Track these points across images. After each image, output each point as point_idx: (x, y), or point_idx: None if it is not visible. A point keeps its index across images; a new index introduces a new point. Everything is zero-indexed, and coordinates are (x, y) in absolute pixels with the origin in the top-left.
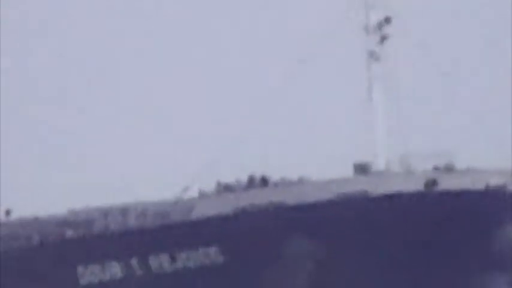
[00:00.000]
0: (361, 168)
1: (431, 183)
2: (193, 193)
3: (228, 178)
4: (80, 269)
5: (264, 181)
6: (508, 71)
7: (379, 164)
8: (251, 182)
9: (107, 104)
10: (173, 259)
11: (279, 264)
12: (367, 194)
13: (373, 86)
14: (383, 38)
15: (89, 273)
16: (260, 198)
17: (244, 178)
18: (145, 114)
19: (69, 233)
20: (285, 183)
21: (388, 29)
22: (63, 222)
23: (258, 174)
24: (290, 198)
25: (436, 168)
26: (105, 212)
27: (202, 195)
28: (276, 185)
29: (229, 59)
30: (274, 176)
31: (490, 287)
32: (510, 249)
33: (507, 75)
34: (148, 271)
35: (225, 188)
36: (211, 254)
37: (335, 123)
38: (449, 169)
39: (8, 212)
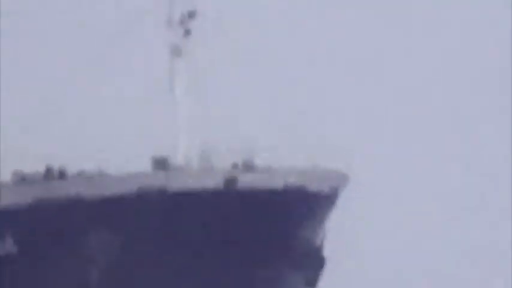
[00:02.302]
0: (160, 163)
1: (231, 180)
2: None
3: (26, 169)
4: None
5: (62, 173)
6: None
7: (178, 159)
8: (48, 174)
9: None
10: None
11: (74, 258)
12: (166, 190)
13: (175, 80)
14: (187, 33)
15: None
16: (57, 190)
17: (41, 169)
18: None
19: None
20: (83, 176)
21: (192, 23)
22: None
23: (55, 165)
24: (88, 191)
25: (235, 165)
26: None
27: None
28: (74, 177)
29: None
30: (72, 168)
31: (287, 286)
32: (307, 248)
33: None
34: None
35: (22, 179)
36: (5, 245)
37: (136, 117)
38: (248, 166)
39: None
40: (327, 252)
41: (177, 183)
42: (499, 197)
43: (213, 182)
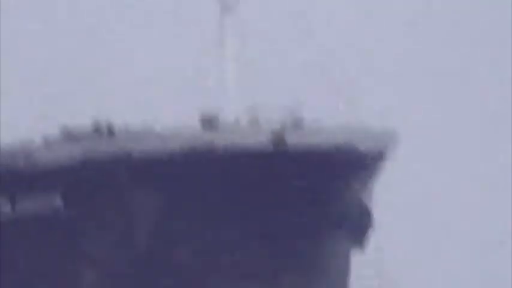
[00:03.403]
0: (208, 122)
1: (280, 139)
2: (36, 139)
3: (72, 124)
4: None
5: (110, 130)
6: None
7: (227, 117)
8: (96, 130)
9: None
10: (13, 205)
11: (120, 216)
12: (214, 148)
13: (225, 37)
14: None
15: None
16: (105, 146)
17: (89, 125)
18: None
19: None
20: (131, 133)
21: None
22: None
23: (103, 121)
24: (136, 148)
25: (284, 124)
26: None
27: (46, 142)
28: (122, 133)
29: None
30: (120, 125)
31: (335, 247)
32: (356, 209)
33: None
34: None
35: (70, 135)
36: (53, 203)
37: (185, 74)
38: (297, 125)
39: None
40: (375, 212)
41: (225, 142)
42: None
43: (261, 141)
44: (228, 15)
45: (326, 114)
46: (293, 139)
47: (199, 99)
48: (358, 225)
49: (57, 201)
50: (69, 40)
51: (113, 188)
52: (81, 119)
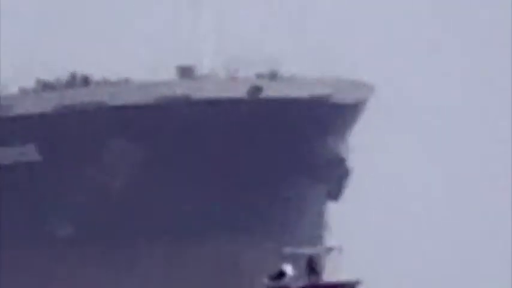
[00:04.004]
0: (185, 71)
1: (256, 89)
2: (12, 89)
3: (48, 76)
4: None
5: (85, 80)
6: None
7: (203, 67)
8: (72, 80)
9: None
10: None
11: (96, 166)
12: (190, 98)
13: None
14: None
15: None
16: (80, 96)
17: (64, 76)
18: None
19: None
20: (106, 83)
21: None
22: None
23: (79, 72)
24: (111, 98)
25: (260, 75)
26: None
27: (22, 92)
28: (97, 84)
29: None
30: (96, 75)
31: (310, 197)
32: (330, 159)
33: None
34: None
35: (45, 86)
36: (28, 152)
37: (161, 26)
38: (273, 76)
39: None
40: (350, 163)
41: (201, 91)
42: None
43: (237, 90)
44: None
45: (302, 67)
46: (269, 90)
47: (176, 53)
48: (334, 176)
49: (33, 151)
50: None
51: (89, 137)
52: (58, 71)
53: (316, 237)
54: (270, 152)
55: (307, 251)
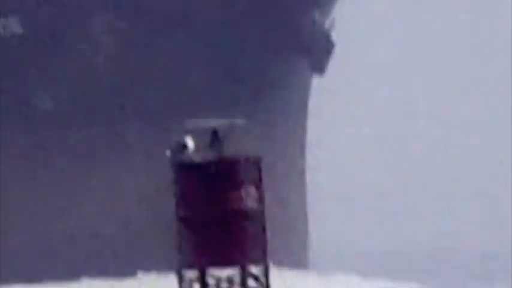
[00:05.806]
0: None
1: None
2: None
3: None
4: None
5: None
6: None
7: None
8: None
9: None
10: None
11: (82, 38)
12: None
13: None
14: None
15: None
16: None
17: None
18: None
19: None
20: None
21: None
22: None
23: None
24: None
25: None
26: None
27: None
28: None
29: None
30: None
31: (293, 71)
32: (314, 32)
33: None
34: None
35: None
36: (10, 25)
37: None
38: None
39: None
40: (334, 37)
41: None
42: None
43: None
44: None
45: None
46: None
47: None
48: (317, 50)
49: (16, 25)
50: None
51: (74, 12)
52: None
53: (302, 110)
54: (254, 26)
55: (211, 123)
